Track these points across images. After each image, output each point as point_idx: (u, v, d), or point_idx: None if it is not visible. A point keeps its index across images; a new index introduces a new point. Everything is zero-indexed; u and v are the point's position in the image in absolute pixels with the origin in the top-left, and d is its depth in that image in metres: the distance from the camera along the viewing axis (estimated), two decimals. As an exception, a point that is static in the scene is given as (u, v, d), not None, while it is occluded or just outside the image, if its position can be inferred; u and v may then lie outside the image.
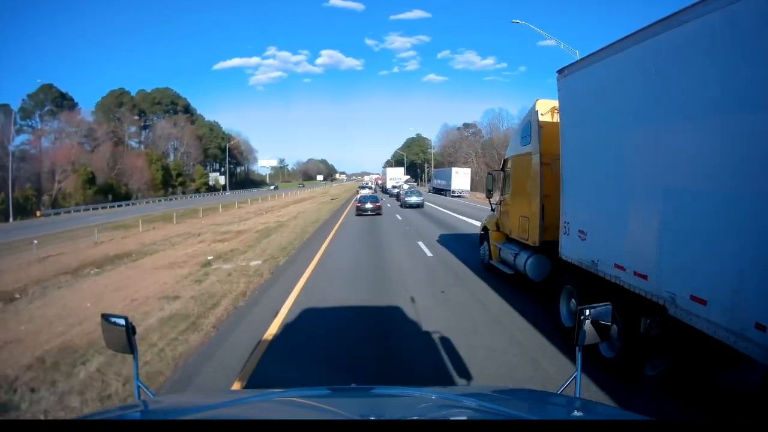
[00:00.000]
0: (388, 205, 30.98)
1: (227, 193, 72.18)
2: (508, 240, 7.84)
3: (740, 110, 2.72)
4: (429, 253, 10.71)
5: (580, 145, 4.86)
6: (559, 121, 5.78)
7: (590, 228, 4.58)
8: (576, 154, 4.96)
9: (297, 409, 1.45)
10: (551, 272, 6.20)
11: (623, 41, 3.87)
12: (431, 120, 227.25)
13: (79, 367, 4.57)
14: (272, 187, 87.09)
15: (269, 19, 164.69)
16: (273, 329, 5.42)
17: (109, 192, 51.66)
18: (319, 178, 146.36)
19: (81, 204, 47.02)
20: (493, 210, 9.14)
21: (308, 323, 5.70)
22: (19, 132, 58.52)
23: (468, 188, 46.68)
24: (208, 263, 10.70)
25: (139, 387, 1.59)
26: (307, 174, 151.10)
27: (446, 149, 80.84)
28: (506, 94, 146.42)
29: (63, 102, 63.13)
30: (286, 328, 5.49)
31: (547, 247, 6.03)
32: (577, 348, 1.66)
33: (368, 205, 22.11)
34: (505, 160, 8.14)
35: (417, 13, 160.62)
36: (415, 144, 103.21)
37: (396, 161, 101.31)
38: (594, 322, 1.66)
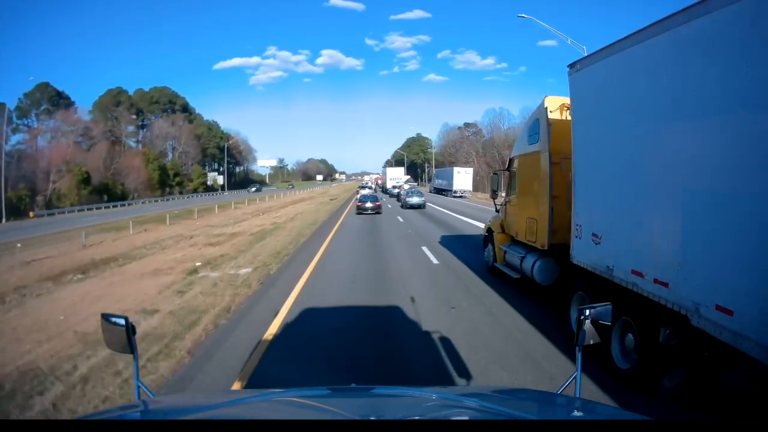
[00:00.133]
0: (389, 206, 30.32)
1: (225, 193, 71.45)
2: (514, 242, 7.57)
3: None
4: (434, 260, 9.90)
5: (594, 142, 4.59)
6: (569, 118, 5.67)
7: (605, 231, 4.34)
8: (590, 153, 4.71)
9: (297, 409, 1.45)
10: (559, 276, 6.01)
11: (647, 30, 3.61)
12: (431, 120, 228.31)
13: (34, 398, 3.97)
14: (253, 189, 76.97)
15: (269, 18, 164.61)
16: (255, 359, 4.61)
17: (105, 192, 50.82)
18: (319, 177, 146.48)
19: (76, 204, 46.23)
20: (497, 211, 8.85)
21: (296, 354, 4.85)
22: (15, 131, 58.10)
23: (470, 188, 46.15)
24: (195, 270, 9.92)
25: (139, 387, 1.59)
26: (306, 174, 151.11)
27: (447, 149, 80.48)
28: (506, 94, 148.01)
29: (59, 101, 62.49)
30: (271, 359, 4.67)
31: (556, 250, 5.83)
32: (577, 348, 1.65)
33: (368, 204, 22.96)
34: (510, 160, 7.89)
35: (417, 13, 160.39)
36: (416, 144, 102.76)
37: (396, 161, 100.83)
38: (594, 322, 1.65)
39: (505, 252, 7.73)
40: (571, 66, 5.00)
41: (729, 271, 2.84)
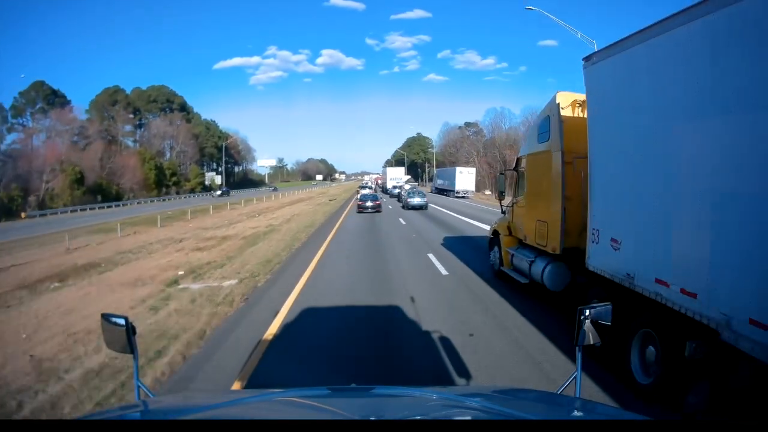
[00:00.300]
0: (390, 206, 29.40)
1: (233, 192, 70.49)
2: (522, 245, 7.28)
3: None
4: (443, 270, 8.82)
5: (615, 140, 4.31)
6: (582, 115, 5.48)
7: (626, 236, 4.09)
8: (610, 151, 4.43)
9: (297, 409, 1.45)
10: (570, 281, 5.80)
11: (675, 17, 3.36)
12: (432, 120, 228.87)
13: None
14: (217, 193, 64.76)
15: (270, 18, 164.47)
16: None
17: (99, 192, 49.75)
18: (319, 177, 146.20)
19: (69, 205, 45.23)
20: (503, 212, 8.54)
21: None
22: (10, 130, 57.25)
23: (473, 189, 45.46)
24: (176, 281, 8.93)
25: (139, 387, 1.59)
26: (306, 174, 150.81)
27: (447, 148, 79.92)
28: (507, 94, 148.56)
29: (55, 99, 61.68)
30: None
31: (567, 254, 5.61)
32: (577, 348, 1.65)
33: (368, 203, 24.03)
34: (518, 159, 7.62)
35: (418, 13, 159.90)
36: (416, 143, 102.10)
37: (396, 161, 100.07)
38: (594, 322, 1.66)
39: (513, 255, 7.44)
40: (587, 59, 4.68)
41: (765, 283, 2.66)
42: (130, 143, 72.10)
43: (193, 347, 5.15)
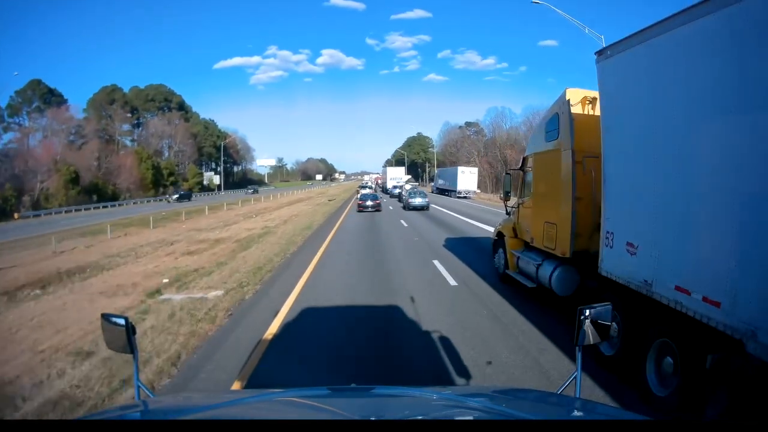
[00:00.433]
0: (390, 207, 28.72)
1: (222, 194, 69.56)
2: (528, 248, 7.06)
3: None
4: (451, 281, 8.00)
5: (632, 138, 4.11)
6: (592, 112, 5.44)
7: (643, 240, 3.89)
8: (626, 150, 4.23)
9: (297, 409, 1.44)
10: (579, 286, 5.61)
11: (701, 5, 3.11)
12: (432, 119, 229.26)
13: None
14: (174, 197, 52.71)
15: (270, 18, 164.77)
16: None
17: (95, 192, 48.91)
18: (318, 177, 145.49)
19: (64, 205, 44.44)
20: (508, 214, 8.28)
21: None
22: (6, 129, 56.52)
23: (475, 189, 44.84)
24: (158, 291, 8.19)
25: (139, 387, 1.58)
26: (306, 173, 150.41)
27: (448, 148, 79.35)
28: (507, 94, 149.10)
29: (51, 98, 60.96)
30: None
31: (576, 257, 5.44)
32: (577, 348, 1.66)
33: (369, 203, 24.93)
34: (524, 159, 7.36)
35: (418, 13, 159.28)
36: (416, 143, 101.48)
37: (396, 161, 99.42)
38: (594, 322, 1.66)
39: (518, 258, 7.18)
40: (600, 53, 4.50)
41: None
42: (128, 143, 71.54)
43: (164, 376, 4.41)
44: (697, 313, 3.14)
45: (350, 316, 6.16)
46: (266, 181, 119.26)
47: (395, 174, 55.86)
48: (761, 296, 2.70)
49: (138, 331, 6.03)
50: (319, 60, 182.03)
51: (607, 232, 4.42)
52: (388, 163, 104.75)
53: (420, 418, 1.29)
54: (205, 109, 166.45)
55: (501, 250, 8.05)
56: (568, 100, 5.63)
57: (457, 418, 1.34)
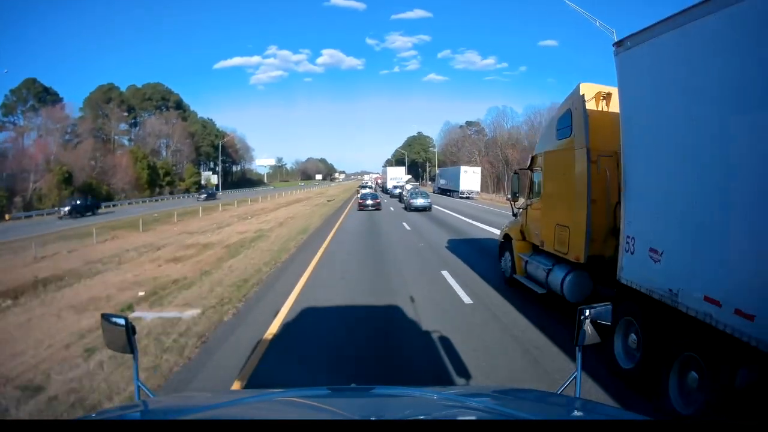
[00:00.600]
0: (391, 208, 27.83)
1: (219, 194, 68.59)
2: (537, 252, 6.83)
3: None
4: (465, 297, 6.91)
5: (658, 135, 3.76)
6: (606, 109, 5.38)
7: (670, 246, 3.58)
8: (651, 148, 3.90)
9: (297, 409, 1.44)
10: (592, 292, 5.41)
11: None
12: (432, 119, 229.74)
13: None
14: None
15: (270, 18, 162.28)
16: None
17: (89, 192, 47.70)
18: (318, 177, 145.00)
19: (57, 206, 43.36)
20: (514, 215, 8.04)
21: None
22: (0, 129, 55.55)
23: (478, 189, 44.03)
24: (130, 308, 7.24)
25: (139, 387, 1.59)
26: (306, 173, 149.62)
27: (448, 148, 78.67)
28: (507, 94, 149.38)
29: (46, 97, 59.95)
30: None
31: (590, 262, 5.26)
32: (577, 348, 1.66)
33: (369, 202, 26.29)
34: (533, 158, 7.12)
35: (418, 13, 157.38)
36: (417, 142, 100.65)
37: (396, 160, 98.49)
38: (594, 322, 1.67)
39: (527, 262, 6.97)
40: (619, 44, 4.30)
41: None
42: (126, 142, 70.59)
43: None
44: (727, 326, 2.95)
45: (348, 334, 5.20)
46: (265, 180, 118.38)
47: (395, 174, 55.31)
48: None
49: (94, 360, 5.18)
50: (319, 60, 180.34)
51: (628, 237, 4.17)
52: (388, 162, 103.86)
53: (420, 418, 1.28)
54: (205, 109, 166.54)
55: (508, 254, 7.78)
56: (583, 95, 5.36)
57: (456, 418, 1.34)
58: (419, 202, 25.11)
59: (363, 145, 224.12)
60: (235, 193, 71.60)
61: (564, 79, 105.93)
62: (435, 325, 5.65)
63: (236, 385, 3.96)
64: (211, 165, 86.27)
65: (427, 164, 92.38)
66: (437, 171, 61.66)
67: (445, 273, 8.59)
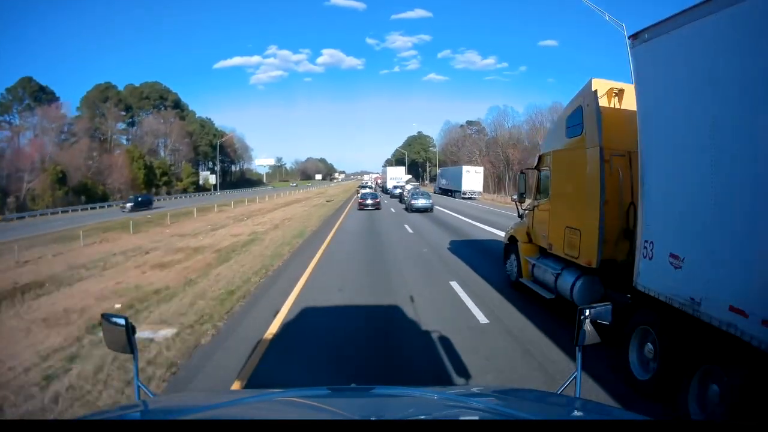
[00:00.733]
0: (392, 209, 27.14)
1: (217, 194, 67.76)
2: (544, 255, 6.59)
3: None
4: (481, 317, 5.95)
5: (680, 133, 3.57)
6: (620, 105, 5.16)
7: (692, 252, 3.38)
8: (671, 147, 3.70)
9: (297, 409, 1.43)
10: (602, 297, 5.09)
11: None
12: (432, 119, 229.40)
13: None
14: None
15: (270, 18, 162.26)
16: None
17: (84, 193, 47.04)
18: (318, 177, 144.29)
19: (51, 206, 42.62)
20: (520, 216, 7.81)
21: None
22: (-5, 128, 54.78)
23: (480, 189, 43.32)
24: (101, 325, 6.42)
25: (139, 387, 1.59)
26: (305, 173, 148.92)
27: (449, 147, 78.04)
28: (507, 94, 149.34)
29: (42, 96, 59.22)
30: None
31: (602, 267, 4.96)
32: (577, 348, 1.65)
33: (369, 201, 27.01)
34: (540, 157, 6.91)
35: (418, 13, 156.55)
36: (417, 142, 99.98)
37: (396, 160, 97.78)
38: (594, 322, 1.66)
39: (533, 266, 6.74)
40: (634, 37, 4.05)
41: None
42: (123, 141, 69.90)
43: None
44: (754, 338, 2.81)
45: (346, 363, 4.42)
46: (265, 180, 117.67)
47: (395, 174, 54.82)
48: None
49: (52, 390, 4.50)
50: (319, 60, 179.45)
51: (646, 242, 3.98)
52: (388, 162, 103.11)
53: (420, 418, 1.28)
54: (204, 109, 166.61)
55: (513, 256, 7.53)
56: (595, 90, 5.12)
57: (458, 418, 1.33)
58: (421, 202, 24.48)
59: (363, 145, 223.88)
60: (234, 193, 70.78)
61: (564, 79, 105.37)
62: (450, 346, 4.87)
63: (236, 385, 3.96)
64: (210, 164, 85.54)
65: (428, 164, 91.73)
66: (438, 171, 61.02)
67: (454, 284, 7.66)
